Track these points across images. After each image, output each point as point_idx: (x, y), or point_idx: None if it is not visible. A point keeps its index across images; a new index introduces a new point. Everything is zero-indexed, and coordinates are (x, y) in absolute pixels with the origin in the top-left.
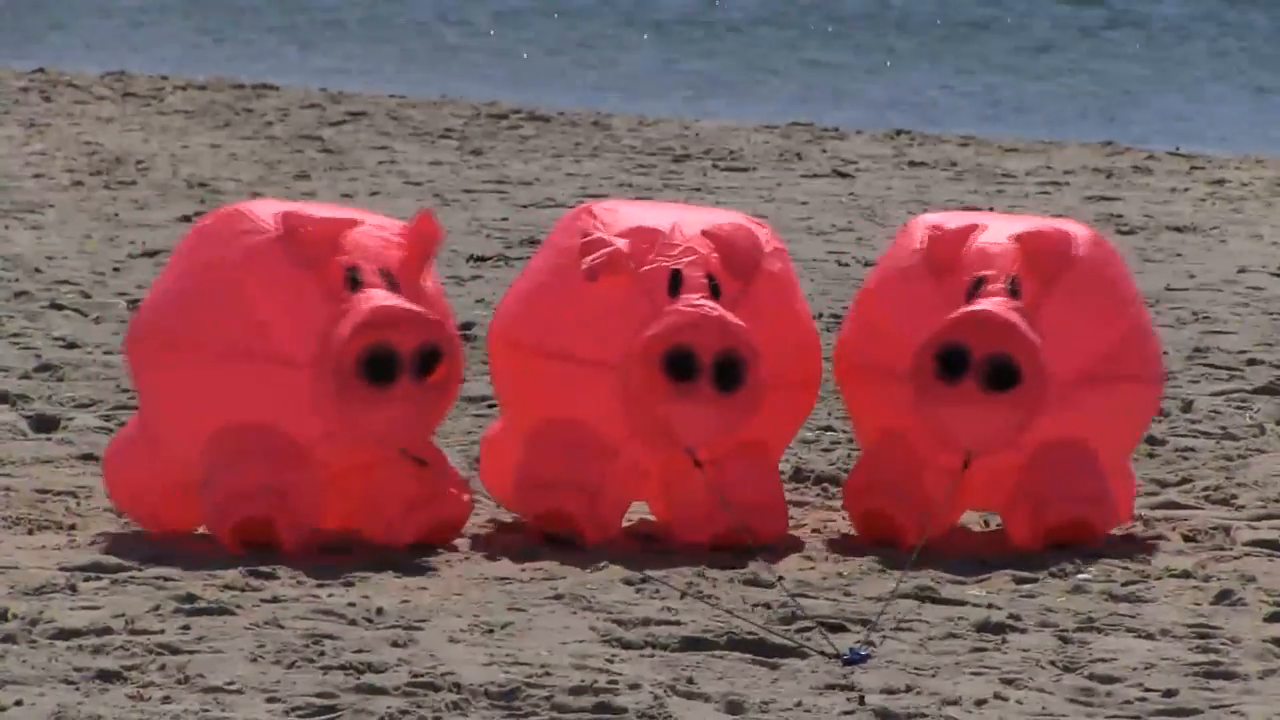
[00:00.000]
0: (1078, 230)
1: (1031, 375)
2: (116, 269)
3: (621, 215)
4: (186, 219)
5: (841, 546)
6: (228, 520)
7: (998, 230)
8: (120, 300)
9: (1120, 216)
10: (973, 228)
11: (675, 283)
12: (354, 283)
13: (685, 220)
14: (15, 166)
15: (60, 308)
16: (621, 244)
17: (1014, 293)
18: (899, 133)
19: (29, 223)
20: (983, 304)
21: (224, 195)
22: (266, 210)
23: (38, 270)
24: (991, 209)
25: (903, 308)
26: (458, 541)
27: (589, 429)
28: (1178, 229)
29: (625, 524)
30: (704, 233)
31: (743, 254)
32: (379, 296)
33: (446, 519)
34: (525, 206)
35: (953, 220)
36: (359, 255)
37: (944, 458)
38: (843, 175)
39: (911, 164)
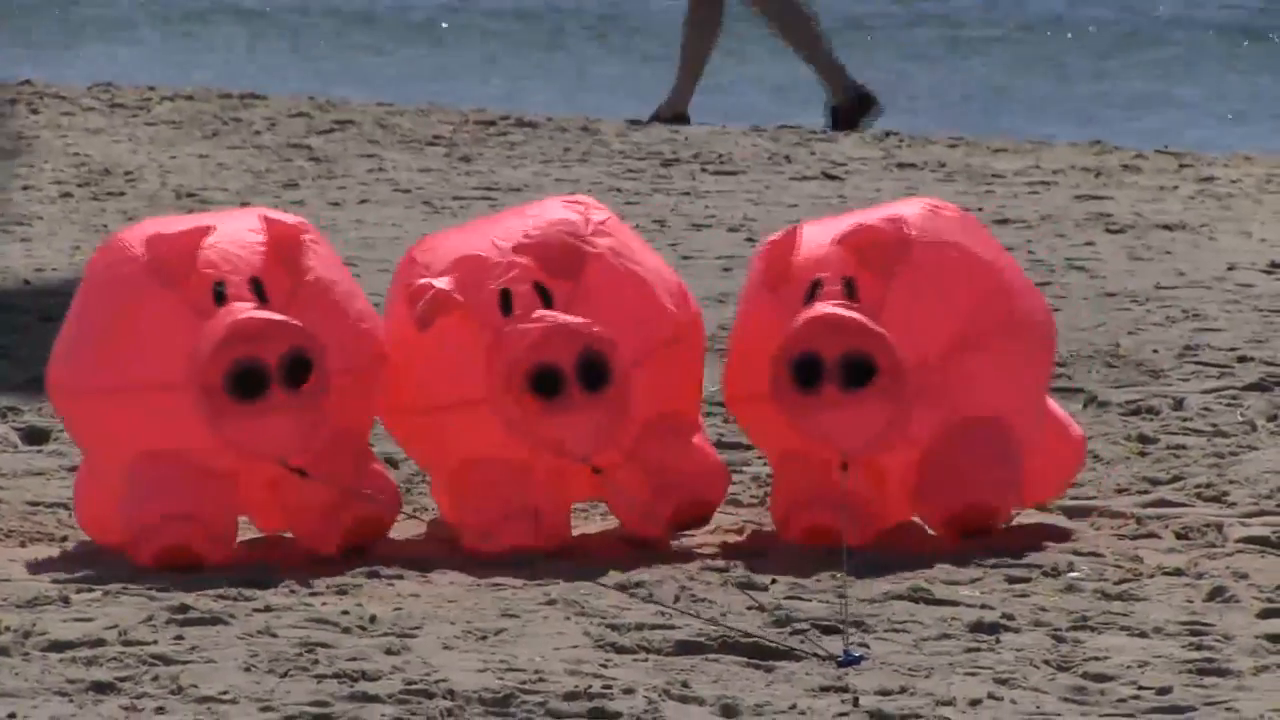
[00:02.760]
0: (908, 210)
1: (886, 365)
2: None
3: (440, 251)
4: None
5: (835, 549)
6: (146, 551)
7: (825, 231)
8: None
9: (1109, 215)
10: (794, 233)
11: (506, 302)
12: (220, 297)
13: (502, 234)
14: (3, 179)
15: (49, 319)
16: (443, 282)
17: (850, 293)
18: (888, 134)
19: (17, 235)
20: (819, 308)
21: (213, 205)
22: (139, 235)
23: (26, 282)
24: (981, 209)
25: (755, 330)
26: (450, 548)
27: (496, 460)
28: (1167, 227)
29: (609, 527)
30: (515, 248)
31: (560, 254)
32: (239, 309)
33: (367, 520)
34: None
35: (778, 232)
36: (226, 268)
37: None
38: (832, 178)
39: (900, 166)
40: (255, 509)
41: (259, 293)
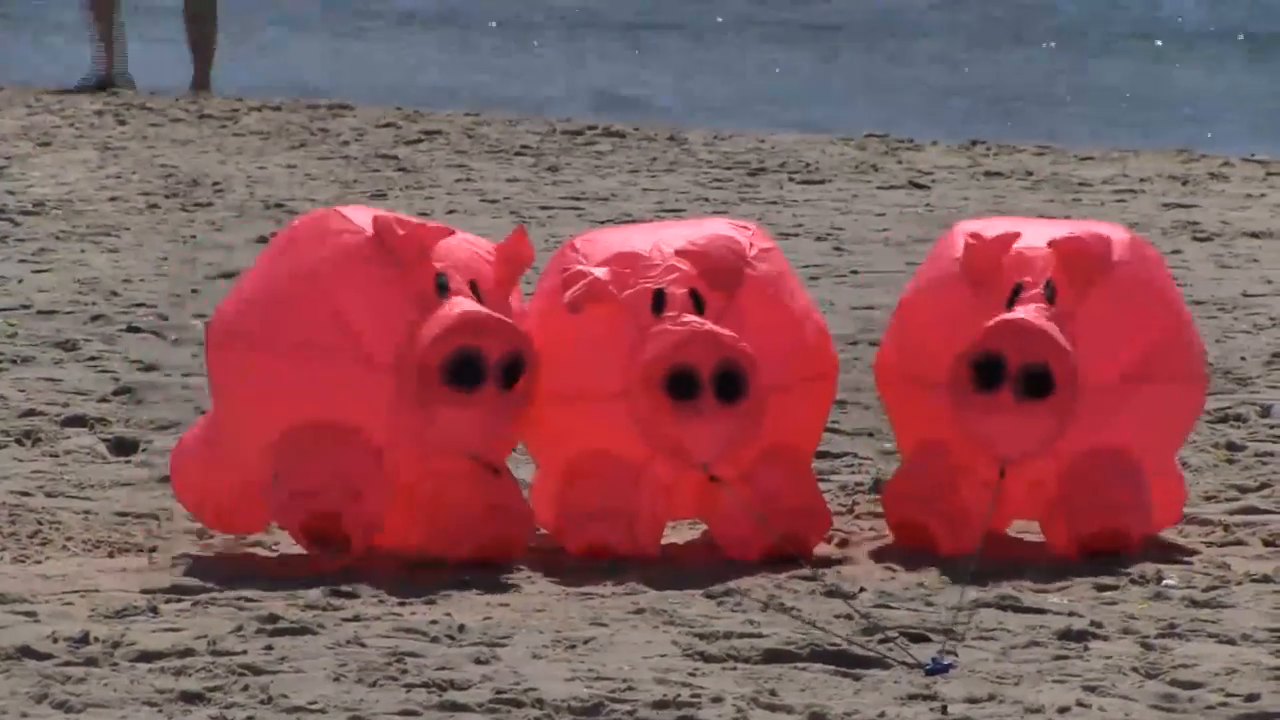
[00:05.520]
0: (1116, 234)
1: (1065, 383)
2: (194, 291)
3: (601, 244)
4: (263, 240)
5: (922, 557)
6: (297, 514)
7: (1036, 236)
8: (198, 322)
9: (1197, 223)
10: (1012, 236)
11: (659, 302)
12: (443, 289)
13: (666, 239)
14: (91, 190)
15: (138, 330)
16: (600, 272)
17: (1050, 298)
18: (974, 143)
19: (105, 246)
20: (1018, 312)
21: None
22: (360, 213)
23: (114, 293)
24: (1069, 217)
25: (943, 317)
26: (538, 558)
27: (610, 458)
28: (1254, 234)
29: (696, 537)
30: (679, 251)
31: (722, 265)
32: (467, 303)
33: (506, 537)
34: (603, 222)
35: (991, 228)
36: (449, 264)
37: (982, 468)
38: (919, 186)
39: (987, 174)
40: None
41: (476, 294)
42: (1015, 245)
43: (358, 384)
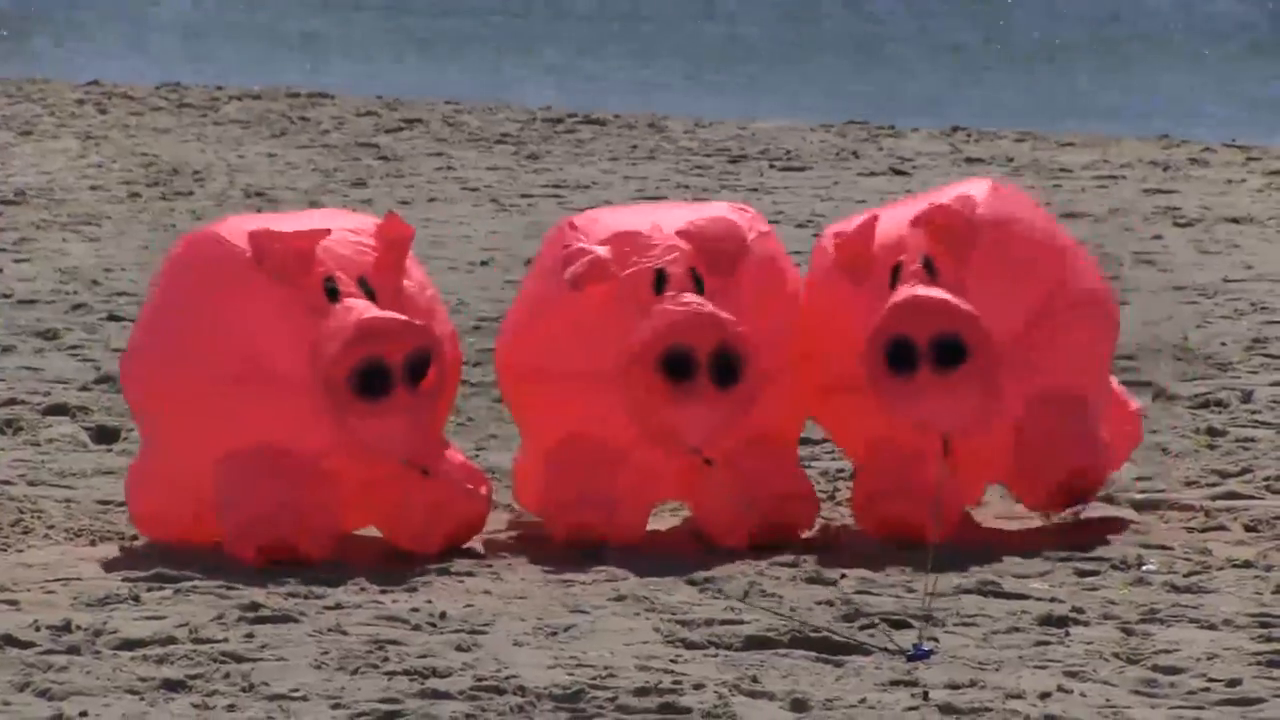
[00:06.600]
0: (974, 189)
1: (979, 344)
2: None
3: (601, 223)
4: None
5: (903, 544)
6: (250, 544)
7: (899, 215)
8: None
9: (1178, 209)
10: (872, 221)
11: (660, 282)
12: (332, 293)
13: (665, 219)
14: (72, 179)
15: (118, 319)
16: (602, 251)
17: (930, 271)
18: (955, 129)
19: (86, 235)
20: (907, 290)
21: (281, 204)
22: (238, 230)
23: (95, 282)
24: (1049, 203)
25: (839, 321)
26: (519, 545)
27: (598, 440)
28: (1235, 220)
29: (676, 522)
30: (679, 232)
31: (721, 247)
32: (360, 308)
33: (467, 518)
34: (583, 210)
35: (852, 222)
36: (335, 265)
37: (933, 448)
38: (900, 173)
39: (968, 160)
40: (347, 509)
41: (366, 289)
42: (878, 229)
43: (276, 403)
